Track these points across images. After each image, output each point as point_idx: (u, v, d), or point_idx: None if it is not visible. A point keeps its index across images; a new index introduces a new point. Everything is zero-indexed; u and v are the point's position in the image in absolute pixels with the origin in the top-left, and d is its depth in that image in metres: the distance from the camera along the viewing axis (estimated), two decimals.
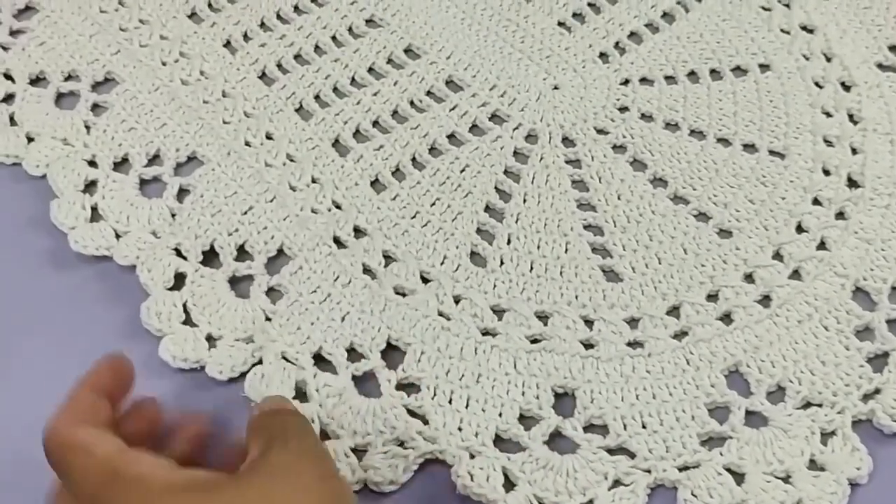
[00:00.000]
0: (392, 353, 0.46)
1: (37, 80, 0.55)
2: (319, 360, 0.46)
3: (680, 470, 0.43)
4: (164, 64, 0.56)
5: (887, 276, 0.48)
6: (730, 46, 0.57)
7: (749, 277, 0.48)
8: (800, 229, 0.50)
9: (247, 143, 0.53)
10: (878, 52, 0.57)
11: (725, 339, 0.46)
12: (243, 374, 0.45)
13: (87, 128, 0.53)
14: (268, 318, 0.47)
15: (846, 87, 0.55)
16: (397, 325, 0.46)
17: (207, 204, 0.50)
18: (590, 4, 0.60)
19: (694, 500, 0.42)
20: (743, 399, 0.44)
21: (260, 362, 0.46)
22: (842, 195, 0.51)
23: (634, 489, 0.42)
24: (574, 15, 0.59)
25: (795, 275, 0.48)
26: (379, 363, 0.45)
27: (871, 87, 0.55)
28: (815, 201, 0.51)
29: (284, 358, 0.45)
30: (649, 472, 0.43)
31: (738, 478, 0.42)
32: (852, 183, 0.51)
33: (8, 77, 0.55)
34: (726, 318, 0.47)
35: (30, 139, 0.53)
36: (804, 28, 0.58)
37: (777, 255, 0.49)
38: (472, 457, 0.43)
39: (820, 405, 0.44)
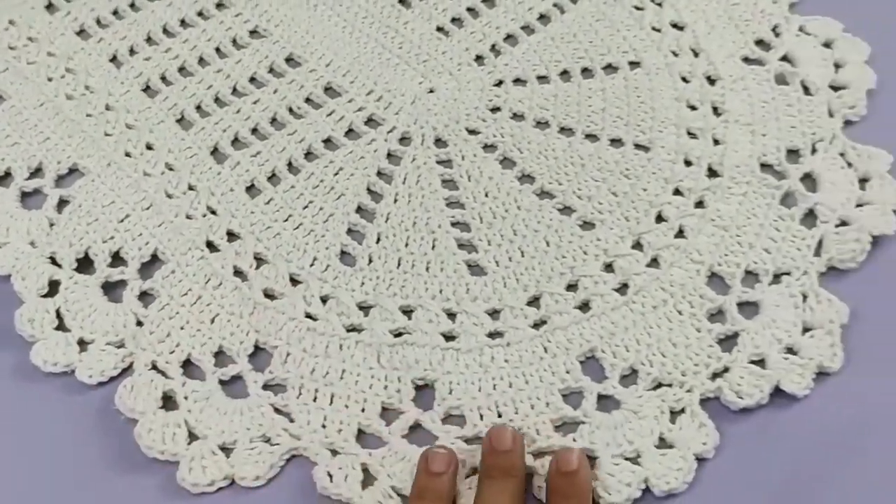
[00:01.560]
0: (260, 354, 0.46)
1: None
2: (188, 365, 0.46)
3: (535, 457, 0.43)
4: (50, 80, 0.56)
5: (741, 260, 0.49)
6: (602, 45, 0.58)
7: (609, 267, 0.49)
8: (659, 219, 0.50)
9: (127, 154, 0.53)
10: (745, 46, 0.58)
11: (582, 326, 0.47)
12: (113, 379, 0.46)
13: None
14: (139, 322, 0.47)
15: (711, 81, 0.56)
16: (264, 329, 0.47)
17: (85, 213, 0.51)
18: (468, 9, 0.60)
19: (547, 486, 0.42)
20: (596, 384, 0.45)
21: (130, 367, 0.46)
22: (701, 185, 0.51)
23: None
24: (453, 20, 0.60)
25: (654, 263, 0.49)
26: (246, 366, 0.46)
27: (735, 80, 0.56)
28: (676, 191, 0.52)
29: (154, 367, 0.46)
30: None
31: (591, 462, 0.43)
32: (712, 172, 0.52)
33: None
34: (584, 306, 0.47)
35: None
36: (675, 25, 0.59)
37: (637, 245, 0.50)
38: (334, 454, 0.43)
39: (670, 385, 0.45)
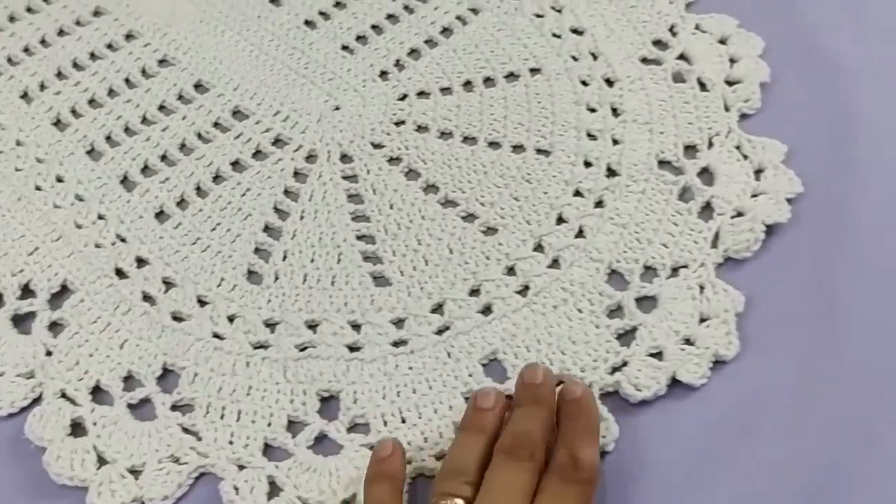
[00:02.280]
0: (168, 376, 0.47)
1: None
2: (97, 391, 0.46)
3: (437, 458, 0.44)
4: None
5: (639, 256, 0.49)
6: (503, 54, 0.59)
7: (511, 270, 0.50)
8: (560, 220, 0.51)
9: (37, 188, 0.54)
10: (643, 47, 0.59)
11: (484, 329, 0.47)
12: (24, 409, 0.46)
13: None
14: (49, 353, 0.47)
15: (610, 83, 0.57)
16: (172, 351, 0.47)
17: None
18: (373, 26, 0.61)
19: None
20: (499, 385, 0.45)
21: (40, 397, 0.46)
22: (601, 185, 0.52)
23: None
24: (357, 37, 0.61)
25: (554, 263, 0.50)
26: (154, 389, 0.46)
27: (633, 81, 0.57)
28: (576, 193, 0.52)
29: (63, 395, 0.46)
30: (410, 462, 0.44)
31: None
32: (611, 172, 0.53)
33: None
34: (486, 310, 0.48)
35: None
36: (574, 30, 0.60)
37: (538, 247, 0.50)
38: (241, 468, 0.44)
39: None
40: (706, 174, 0.53)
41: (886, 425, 0.44)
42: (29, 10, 0.63)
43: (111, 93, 0.58)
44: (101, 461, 0.44)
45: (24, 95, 0.58)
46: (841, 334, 0.47)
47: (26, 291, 0.50)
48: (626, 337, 0.47)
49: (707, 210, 0.51)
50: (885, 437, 0.43)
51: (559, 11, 0.61)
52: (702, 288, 0.48)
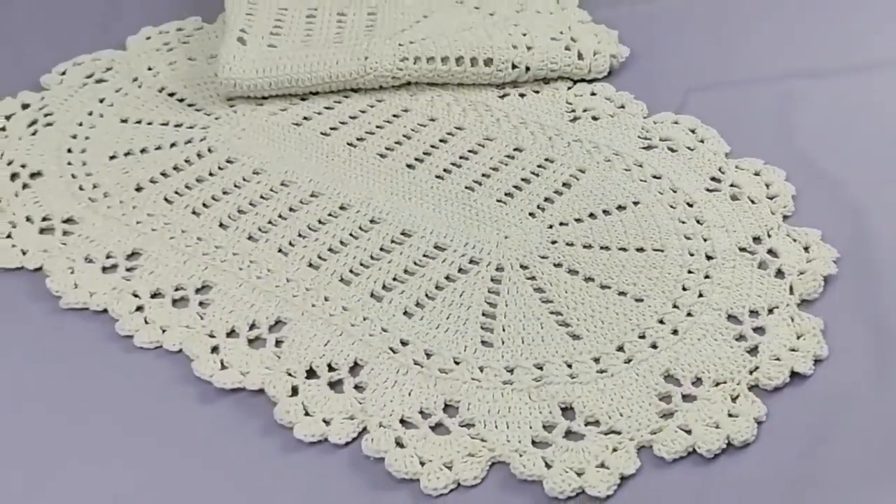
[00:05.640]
0: (448, 409, 0.65)
1: (156, 295, 0.75)
2: (403, 422, 0.64)
3: (651, 433, 0.62)
4: (240, 269, 0.77)
5: (745, 304, 0.70)
6: (610, 194, 0.82)
7: (661, 321, 0.70)
8: (684, 288, 0.72)
9: (312, 305, 0.73)
10: (705, 180, 0.82)
11: (656, 358, 0.67)
12: (352, 441, 0.64)
13: (201, 317, 0.73)
14: (360, 402, 0.66)
15: (690, 205, 0.80)
16: (448, 391, 0.66)
17: (297, 345, 0.70)
18: (514, 186, 0.84)
19: (661, 448, 0.61)
20: (677, 388, 0.65)
21: (365, 430, 0.64)
22: (704, 265, 0.74)
23: (627, 450, 0.61)
24: (505, 194, 0.83)
25: (689, 315, 0.70)
26: (443, 416, 0.64)
27: (706, 202, 0.80)
28: (689, 271, 0.74)
29: (381, 426, 0.64)
30: (633, 439, 0.62)
31: (688, 433, 0.62)
32: (709, 258, 0.75)
33: (135, 295, 0.75)
34: (653, 346, 0.68)
35: (163, 330, 0.72)
36: (654, 176, 0.83)
37: (675, 306, 0.71)
38: (520, 455, 0.62)
39: (725, 382, 0.65)
40: (771, 253, 0.75)
41: None
42: (262, 197, 0.85)
43: (342, 243, 0.79)
44: (421, 462, 0.62)
45: (280, 250, 0.79)
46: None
47: (330, 368, 0.68)
48: (750, 353, 0.67)
49: (779, 274, 0.73)
50: None
51: (640, 166, 0.85)
52: (792, 318, 0.69)
